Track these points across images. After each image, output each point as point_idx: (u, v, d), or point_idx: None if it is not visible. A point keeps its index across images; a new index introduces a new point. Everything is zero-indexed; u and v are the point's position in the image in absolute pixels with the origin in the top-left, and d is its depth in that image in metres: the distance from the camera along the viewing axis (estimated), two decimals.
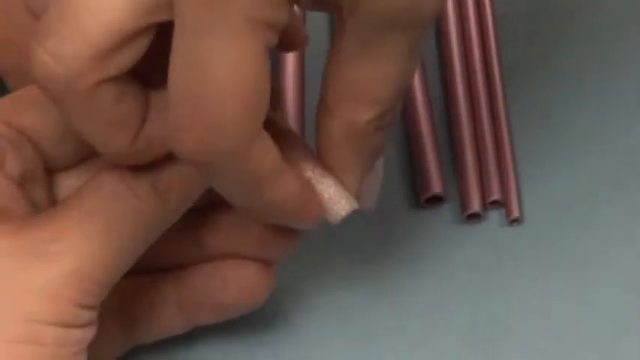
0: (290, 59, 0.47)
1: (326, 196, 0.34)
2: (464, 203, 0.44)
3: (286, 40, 0.33)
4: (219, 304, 0.37)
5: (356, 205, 0.34)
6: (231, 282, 0.37)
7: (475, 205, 0.43)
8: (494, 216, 0.44)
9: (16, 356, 0.30)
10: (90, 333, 0.33)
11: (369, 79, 0.31)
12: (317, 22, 0.49)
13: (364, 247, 0.43)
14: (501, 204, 0.44)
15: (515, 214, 0.43)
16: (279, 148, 0.31)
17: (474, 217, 0.44)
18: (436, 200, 0.44)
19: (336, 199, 0.34)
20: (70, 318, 0.32)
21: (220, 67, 0.28)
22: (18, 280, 0.31)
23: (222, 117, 0.28)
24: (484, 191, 0.44)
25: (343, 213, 0.34)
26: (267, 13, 0.28)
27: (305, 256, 0.42)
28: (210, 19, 0.28)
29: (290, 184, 0.32)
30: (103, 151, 0.31)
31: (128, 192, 0.33)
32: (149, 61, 0.31)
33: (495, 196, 0.44)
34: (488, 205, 0.44)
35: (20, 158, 0.34)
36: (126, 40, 0.29)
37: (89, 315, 0.32)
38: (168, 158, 0.33)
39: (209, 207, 0.37)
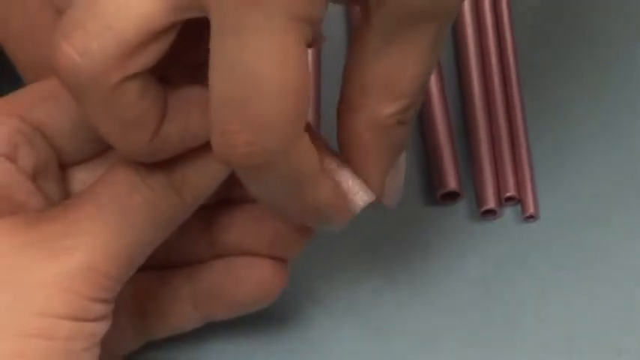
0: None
1: (344, 186, 0.34)
2: (479, 199, 0.43)
3: None
4: (232, 301, 0.37)
5: (373, 197, 0.34)
6: (245, 279, 0.37)
7: (491, 202, 0.43)
8: (510, 212, 0.44)
9: (27, 351, 0.30)
10: (103, 327, 0.33)
11: (394, 73, 0.31)
12: (333, 18, 0.48)
13: (378, 243, 0.43)
14: (517, 200, 0.44)
15: (531, 210, 0.43)
16: None
17: (490, 214, 0.43)
18: (452, 196, 0.44)
19: (354, 191, 0.34)
20: (83, 312, 0.31)
21: (267, 67, 0.28)
22: (30, 273, 0.31)
23: (271, 117, 0.28)
24: (500, 188, 0.44)
25: (361, 204, 0.34)
26: (307, 9, 0.28)
27: (318, 252, 0.42)
28: (253, 19, 0.27)
29: (328, 183, 0.32)
30: (120, 148, 0.31)
31: (143, 186, 0.33)
32: (167, 58, 0.30)
33: (511, 192, 0.43)
34: (503, 201, 0.44)
35: (34, 152, 0.34)
36: (153, 36, 0.29)
37: (102, 309, 0.32)
38: (184, 153, 0.33)
39: (223, 203, 0.37)
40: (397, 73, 0.31)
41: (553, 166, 0.45)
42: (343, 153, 0.34)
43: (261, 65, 0.28)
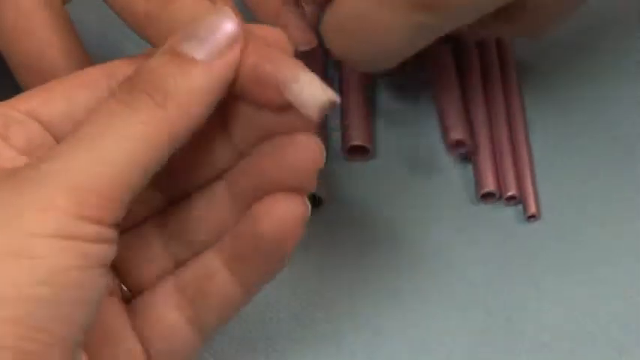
0: None
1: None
2: (478, 186, 0.44)
3: None
4: (257, 246, 0.35)
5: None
6: (264, 216, 0.35)
7: (490, 184, 0.44)
8: (511, 212, 0.44)
9: (10, 269, 0.30)
10: (101, 250, 0.31)
11: None
12: None
13: (377, 244, 0.43)
14: (518, 200, 0.44)
15: (532, 210, 0.43)
16: None
17: (489, 197, 0.44)
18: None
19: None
20: (70, 229, 0.30)
21: None
22: (12, 204, 0.31)
23: None
24: (500, 187, 0.44)
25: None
26: None
27: (317, 253, 0.42)
28: None
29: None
30: None
31: (122, 107, 0.32)
32: None
33: (512, 191, 0.44)
34: (505, 201, 0.44)
35: (25, 131, 0.34)
36: None
37: (97, 230, 0.31)
38: (161, 65, 0.32)
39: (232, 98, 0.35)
40: None
41: (554, 166, 0.45)
42: None
43: None
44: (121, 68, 0.35)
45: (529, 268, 0.42)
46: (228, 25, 0.32)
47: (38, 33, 0.39)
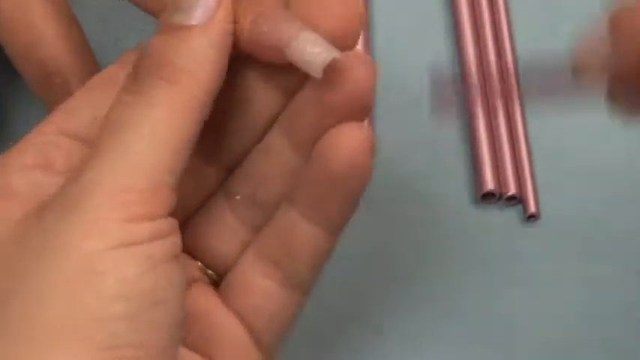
0: None
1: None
2: (479, 186, 0.44)
3: None
4: (332, 185, 0.33)
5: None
6: (331, 151, 0.33)
7: (490, 184, 0.43)
8: (511, 212, 0.44)
9: (79, 294, 0.28)
10: (163, 245, 0.30)
11: None
12: None
13: (378, 244, 0.43)
14: (518, 200, 0.44)
15: (532, 210, 0.43)
16: None
17: (489, 198, 0.44)
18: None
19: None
20: (124, 236, 0.29)
21: None
22: (62, 230, 0.29)
23: None
24: (501, 187, 0.44)
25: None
26: None
27: None
28: None
29: None
30: None
31: (134, 96, 0.31)
32: None
33: (512, 191, 0.43)
34: (505, 201, 0.44)
35: (61, 152, 0.33)
36: None
37: (149, 226, 0.30)
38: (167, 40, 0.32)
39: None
40: None
41: (554, 166, 0.45)
42: None
43: None
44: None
45: (528, 268, 0.42)
46: None
47: (36, 23, 0.39)
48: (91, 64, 0.40)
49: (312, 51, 0.31)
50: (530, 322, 0.41)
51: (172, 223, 0.30)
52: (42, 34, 0.39)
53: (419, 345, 0.41)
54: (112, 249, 0.29)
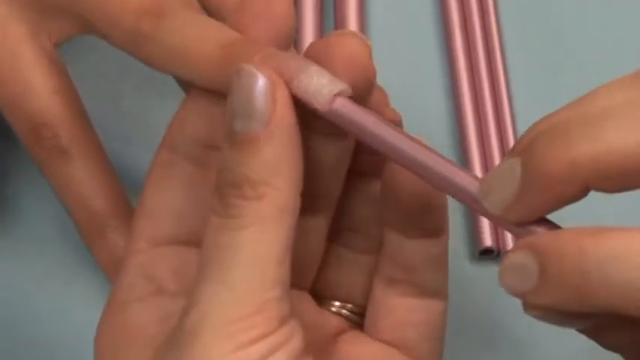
0: None
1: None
2: (477, 242, 0.44)
3: None
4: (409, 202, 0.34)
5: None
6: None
7: (488, 241, 0.43)
8: None
9: None
10: (291, 345, 0.30)
11: None
12: None
13: None
14: None
15: None
16: None
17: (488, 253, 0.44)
18: None
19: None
20: (251, 343, 0.29)
21: None
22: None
23: None
24: (499, 242, 0.44)
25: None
26: None
27: None
28: None
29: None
30: None
31: (224, 220, 0.30)
32: None
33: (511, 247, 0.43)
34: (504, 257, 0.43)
35: (162, 263, 0.33)
36: None
37: (265, 344, 0.30)
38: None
39: None
40: None
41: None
42: None
43: None
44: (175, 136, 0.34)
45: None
46: (259, 82, 0.30)
47: (24, 73, 0.38)
48: (82, 116, 0.39)
49: (318, 82, 0.30)
50: (530, 322, 0.40)
51: (286, 330, 0.30)
52: (29, 85, 0.38)
53: None
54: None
